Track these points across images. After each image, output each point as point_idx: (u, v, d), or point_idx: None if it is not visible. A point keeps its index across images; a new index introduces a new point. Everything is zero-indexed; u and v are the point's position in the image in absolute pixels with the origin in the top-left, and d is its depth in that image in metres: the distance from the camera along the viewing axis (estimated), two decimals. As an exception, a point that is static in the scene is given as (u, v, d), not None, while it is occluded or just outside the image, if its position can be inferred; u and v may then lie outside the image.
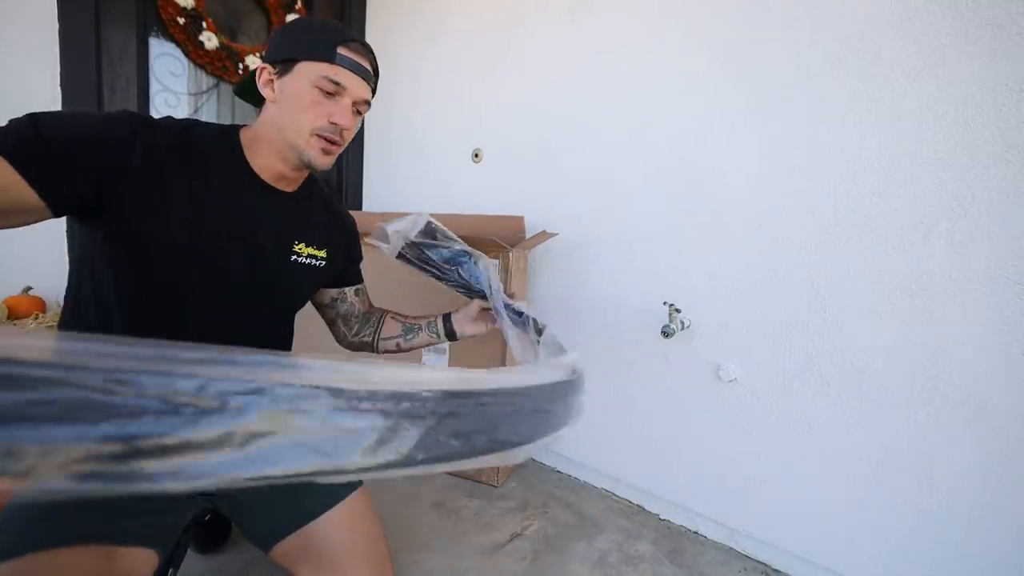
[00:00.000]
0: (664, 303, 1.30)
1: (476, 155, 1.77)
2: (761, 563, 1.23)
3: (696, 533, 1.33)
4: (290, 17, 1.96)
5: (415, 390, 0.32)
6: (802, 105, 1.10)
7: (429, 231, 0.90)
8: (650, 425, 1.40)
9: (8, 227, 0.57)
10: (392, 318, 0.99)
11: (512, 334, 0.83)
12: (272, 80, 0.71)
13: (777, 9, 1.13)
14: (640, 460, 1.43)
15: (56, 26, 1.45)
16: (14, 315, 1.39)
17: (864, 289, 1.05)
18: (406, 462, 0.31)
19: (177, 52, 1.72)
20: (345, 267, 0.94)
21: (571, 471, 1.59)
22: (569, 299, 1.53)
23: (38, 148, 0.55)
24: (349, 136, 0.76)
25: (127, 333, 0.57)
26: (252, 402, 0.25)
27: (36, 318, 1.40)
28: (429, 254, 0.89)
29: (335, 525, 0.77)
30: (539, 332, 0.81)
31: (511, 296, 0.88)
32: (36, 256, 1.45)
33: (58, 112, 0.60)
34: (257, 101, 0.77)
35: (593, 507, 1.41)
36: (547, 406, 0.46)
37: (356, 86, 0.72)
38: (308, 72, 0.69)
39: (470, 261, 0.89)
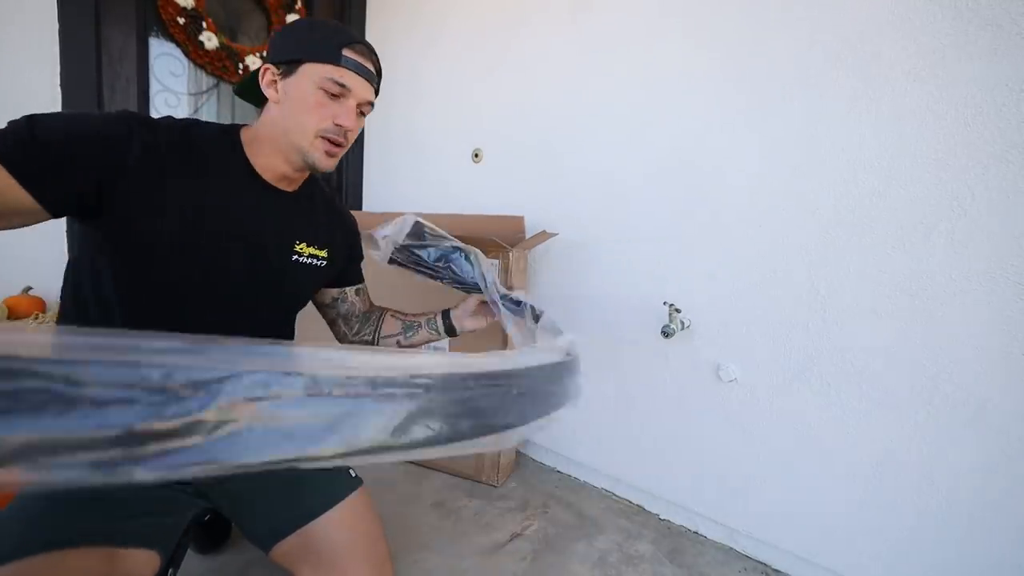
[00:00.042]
0: (664, 303, 1.30)
1: (476, 155, 1.77)
2: (761, 563, 1.23)
3: (696, 533, 1.33)
4: (290, 17, 1.96)
5: (393, 376, 0.32)
6: (802, 105, 1.10)
7: (417, 232, 0.89)
8: (650, 425, 1.40)
9: (7, 228, 0.58)
10: (392, 316, 0.99)
11: (510, 323, 0.83)
12: (275, 81, 0.71)
13: (777, 9, 1.13)
14: (640, 460, 1.42)
15: (56, 26, 1.45)
16: (14, 315, 1.39)
17: (864, 289, 1.05)
18: (383, 449, 0.31)
19: (177, 52, 1.72)
20: (346, 267, 0.94)
21: (571, 471, 1.59)
22: (569, 299, 1.53)
23: (34, 150, 0.56)
24: (352, 137, 0.76)
25: None
26: (220, 389, 0.25)
27: (36, 318, 1.40)
28: (420, 255, 0.89)
29: (335, 525, 0.77)
30: (537, 319, 0.81)
31: (509, 288, 0.88)
32: (36, 256, 1.45)
33: (56, 113, 0.60)
34: (258, 101, 0.77)
35: (593, 507, 1.41)
36: (536, 388, 0.45)
37: (361, 88, 0.72)
38: (313, 74, 0.69)
39: (461, 257, 0.89)
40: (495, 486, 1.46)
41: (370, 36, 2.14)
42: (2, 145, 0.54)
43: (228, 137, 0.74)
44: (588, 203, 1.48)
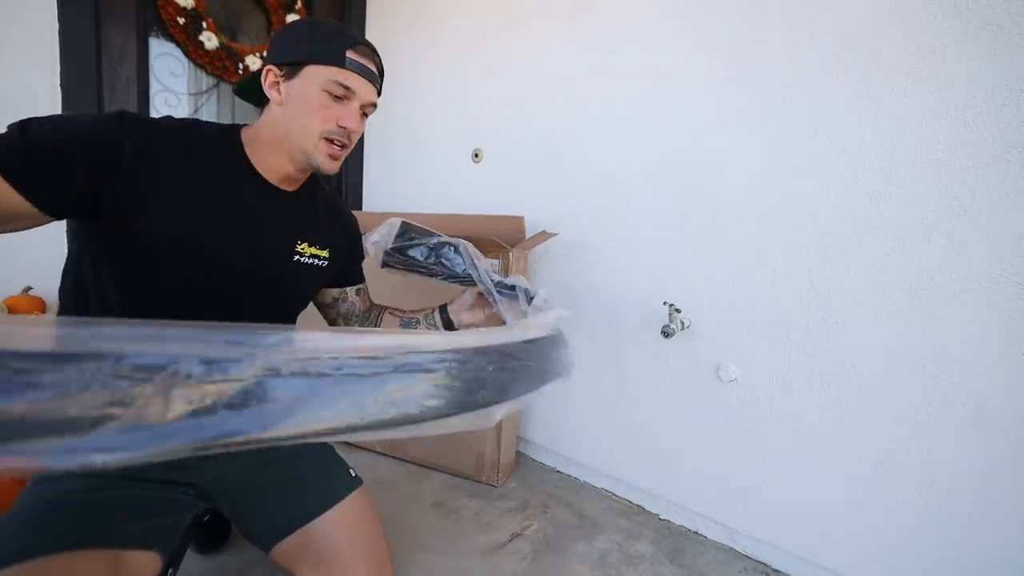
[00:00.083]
0: (664, 303, 1.30)
1: (476, 155, 1.77)
2: (761, 563, 1.23)
3: (696, 533, 1.33)
4: (290, 17, 1.96)
5: (352, 356, 0.32)
6: (802, 105, 1.10)
7: (405, 233, 0.91)
8: (650, 425, 1.40)
9: (11, 231, 0.58)
10: (390, 313, 0.99)
11: (506, 310, 0.83)
12: (278, 82, 0.71)
13: (777, 9, 1.13)
14: (640, 460, 1.42)
15: (56, 26, 1.45)
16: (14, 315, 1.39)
17: (864, 289, 1.05)
18: (355, 428, 0.31)
19: (177, 52, 1.72)
20: (347, 267, 0.94)
21: (571, 471, 1.59)
22: (569, 299, 1.53)
23: (28, 156, 0.56)
24: (356, 138, 0.76)
25: None
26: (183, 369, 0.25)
27: (36, 318, 1.40)
28: (411, 255, 0.90)
29: (335, 525, 0.77)
30: (531, 300, 0.82)
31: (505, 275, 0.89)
32: (36, 256, 1.45)
33: (49, 117, 0.60)
34: (258, 101, 0.77)
35: (593, 507, 1.41)
36: (516, 364, 0.45)
37: (364, 90, 0.73)
38: (317, 76, 0.69)
39: (450, 250, 0.89)
40: (495, 486, 1.46)
41: (370, 36, 2.14)
42: None
43: (228, 137, 0.74)
44: (588, 203, 1.48)
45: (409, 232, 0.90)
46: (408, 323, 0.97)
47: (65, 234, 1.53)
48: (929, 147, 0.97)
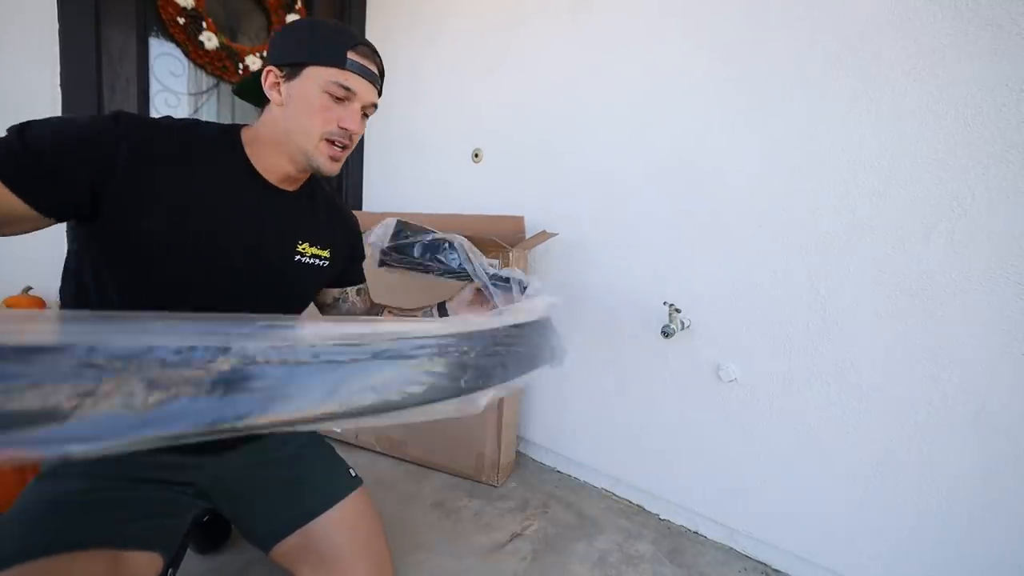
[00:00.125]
0: (664, 303, 1.30)
1: (476, 155, 1.77)
2: (761, 563, 1.23)
3: (696, 533, 1.33)
4: (290, 17, 1.96)
5: (329, 343, 0.32)
6: (802, 105, 1.10)
7: (400, 232, 0.92)
8: (650, 425, 1.40)
9: (14, 234, 0.59)
10: (389, 312, 0.99)
11: (501, 301, 0.84)
12: (279, 83, 0.71)
13: (777, 9, 1.13)
14: (640, 460, 1.42)
15: (56, 26, 1.45)
16: (14, 315, 1.38)
17: (864, 289, 1.05)
18: (332, 416, 0.31)
19: (177, 52, 1.72)
20: (348, 267, 0.94)
21: (571, 471, 1.59)
22: (569, 299, 1.52)
23: (25, 160, 0.56)
24: (356, 139, 0.76)
25: None
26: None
27: (36, 318, 1.40)
28: (407, 252, 0.91)
29: (335, 525, 0.78)
30: (524, 291, 0.82)
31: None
32: (36, 256, 1.45)
33: (47, 119, 0.60)
34: (258, 101, 0.77)
35: (593, 507, 1.41)
36: (501, 350, 0.45)
37: (365, 91, 0.72)
38: (318, 77, 0.69)
39: (445, 246, 0.90)
40: (495, 486, 1.46)
41: (370, 36, 2.14)
42: None
43: (228, 137, 0.74)
44: (588, 203, 1.48)
45: (404, 230, 0.91)
46: None
47: (65, 234, 1.53)
48: (929, 147, 0.97)
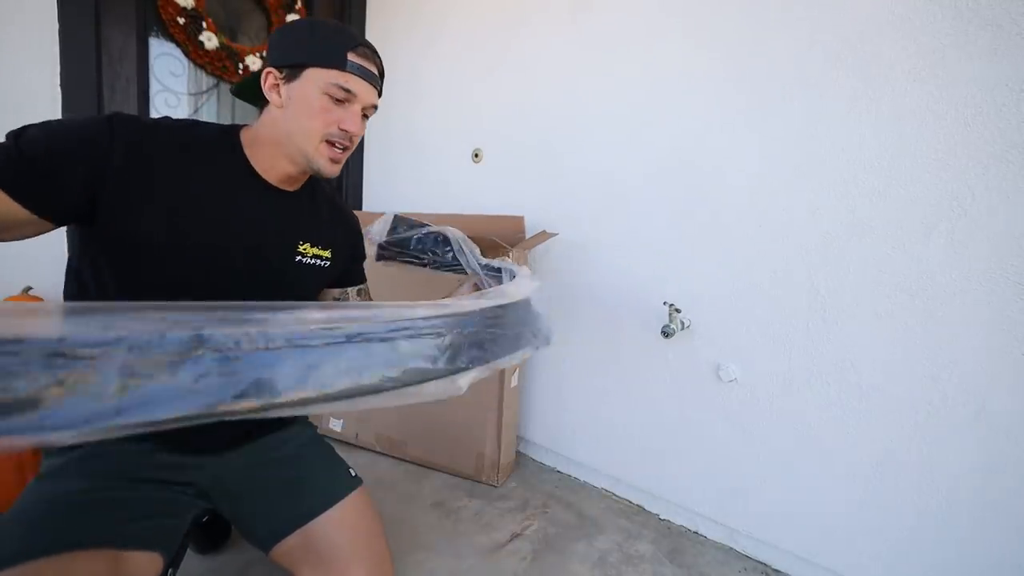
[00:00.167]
0: (664, 303, 1.30)
1: (476, 155, 1.77)
2: (761, 563, 1.23)
3: (696, 533, 1.33)
4: (290, 17, 1.96)
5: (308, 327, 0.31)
6: (802, 105, 1.10)
7: (396, 227, 0.94)
8: (650, 425, 1.40)
9: (14, 239, 0.59)
10: None
11: None
12: (278, 85, 0.71)
13: (777, 9, 1.13)
14: (640, 460, 1.43)
15: (56, 26, 1.45)
16: (14, 315, 1.38)
17: (864, 289, 1.05)
18: (309, 401, 0.31)
19: (177, 52, 1.72)
20: (349, 267, 0.93)
21: (571, 471, 1.59)
22: (569, 299, 1.53)
23: (22, 166, 0.56)
24: (357, 140, 0.76)
25: None
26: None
27: (36, 318, 1.40)
28: (403, 246, 0.93)
29: (335, 524, 0.77)
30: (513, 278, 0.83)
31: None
32: (36, 256, 1.45)
33: (44, 123, 0.60)
34: (257, 101, 0.77)
35: (593, 507, 1.41)
36: (479, 331, 0.44)
37: (366, 92, 0.72)
38: (318, 79, 0.69)
39: (439, 239, 0.92)
40: (495, 486, 1.46)
41: (370, 36, 2.14)
42: None
43: (228, 138, 0.74)
44: (588, 203, 1.48)
45: (400, 225, 0.93)
46: None
47: (65, 235, 1.53)
48: (929, 147, 0.97)
